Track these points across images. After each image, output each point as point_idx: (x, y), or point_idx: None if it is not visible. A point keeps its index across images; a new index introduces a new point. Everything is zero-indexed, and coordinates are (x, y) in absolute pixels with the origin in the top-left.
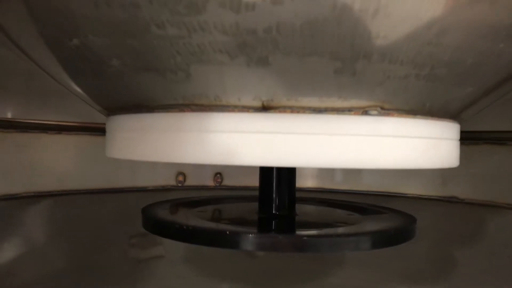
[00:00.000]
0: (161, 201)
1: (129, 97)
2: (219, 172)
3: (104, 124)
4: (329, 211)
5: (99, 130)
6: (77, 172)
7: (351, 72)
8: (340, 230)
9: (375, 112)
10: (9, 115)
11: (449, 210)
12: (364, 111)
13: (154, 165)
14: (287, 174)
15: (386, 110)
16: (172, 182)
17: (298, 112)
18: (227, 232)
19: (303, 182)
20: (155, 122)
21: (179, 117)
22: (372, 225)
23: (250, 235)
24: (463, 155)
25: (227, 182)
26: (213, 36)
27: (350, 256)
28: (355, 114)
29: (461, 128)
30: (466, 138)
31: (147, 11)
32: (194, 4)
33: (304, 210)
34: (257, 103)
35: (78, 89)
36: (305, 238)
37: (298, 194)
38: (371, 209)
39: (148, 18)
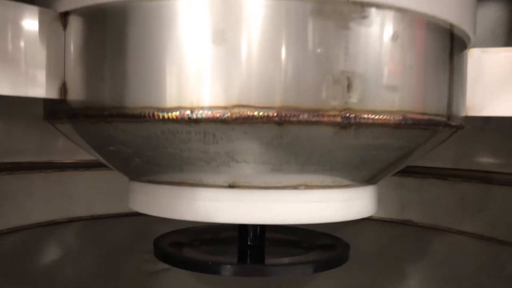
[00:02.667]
0: (167, 233)
1: (144, 175)
2: None
3: None
4: (287, 240)
5: None
6: (103, 200)
7: (283, 171)
8: (286, 260)
9: (302, 187)
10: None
11: (405, 231)
12: (295, 187)
13: None
14: None
15: (309, 186)
16: None
17: (253, 188)
18: (209, 263)
19: None
20: (161, 191)
21: (176, 189)
22: (314, 254)
23: (227, 265)
24: (416, 186)
25: None
26: (195, 155)
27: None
28: (289, 189)
29: (415, 163)
30: (419, 172)
31: (157, 141)
32: (183, 141)
33: (272, 239)
34: (226, 184)
35: (107, 164)
36: (261, 266)
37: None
38: (319, 237)
39: (158, 144)
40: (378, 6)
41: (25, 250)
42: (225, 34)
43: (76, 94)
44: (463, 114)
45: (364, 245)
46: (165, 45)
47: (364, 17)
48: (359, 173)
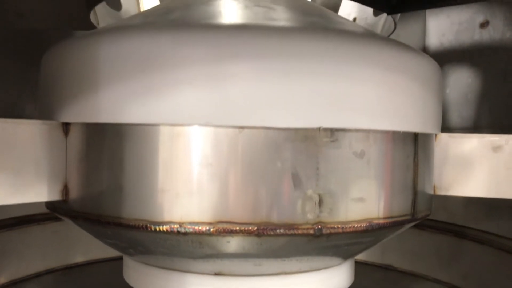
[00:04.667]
0: None
1: (138, 258)
2: None
3: None
4: None
5: None
6: (99, 245)
7: (264, 265)
8: None
9: (282, 274)
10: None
11: (385, 275)
12: (275, 274)
13: None
14: None
15: (288, 273)
16: None
17: (237, 276)
18: None
19: None
20: (153, 272)
21: (167, 273)
22: None
23: None
24: (398, 234)
25: None
26: (183, 254)
27: None
28: (270, 276)
29: None
30: None
31: (149, 243)
32: (173, 245)
33: None
34: (212, 272)
35: (108, 245)
36: None
37: None
38: None
39: (150, 244)
40: (347, 130)
41: None
42: (209, 159)
43: (76, 197)
44: (429, 203)
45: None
46: (157, 166)
47: (334, 140)
48: (333, 260)
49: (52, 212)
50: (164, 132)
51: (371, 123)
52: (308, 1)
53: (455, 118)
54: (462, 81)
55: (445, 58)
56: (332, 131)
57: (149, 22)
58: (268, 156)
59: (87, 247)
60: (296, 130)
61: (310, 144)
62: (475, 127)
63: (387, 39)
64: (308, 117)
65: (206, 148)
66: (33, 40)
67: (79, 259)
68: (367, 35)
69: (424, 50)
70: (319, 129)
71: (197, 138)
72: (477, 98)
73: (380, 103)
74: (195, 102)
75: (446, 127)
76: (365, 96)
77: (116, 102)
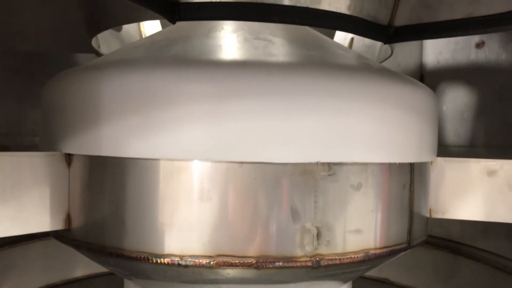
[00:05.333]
0: None
1: (138, 282)
2: None
3: None
4: None
5: None
6: None
7: None
8: None
9: None
10: None
11: None
12: None
13: None
14: None
15: None
16: None
17: None
18: None
19: None
20: None
21: None
22: None
23: None
24: None
25: None
26: (184, 282)
27: None
28: None
29: None
30: None
31: (150, 273)
32: (173, 276)
33: None
34: None
35: (109, 270)
36: None
37: None
38: None
39: (151, 274)
40: (344, 164)
41: None
42: (209, 193)
43: (79, 226)
44: (425, 228)
45: None
46: (157, 200)
47: (331, 174)
48: (332, 285)
49: (56, 239)
50: (165, 167)
51: (367, 157)
52: (306, 29)
53: (451, 136)
54: (459, 99)
55: (442, 75)
56: (330, 165)
57: (150, 57)
58: (267, 191)
59: (87, 261)
60: (295, 165)
61: (308, 178)
62: (471, 145)
63: (383, 72)
64: (307, 152)
65: (206, 183)
66: (34, 58)
67: (79, 273)
68: (364, 70)
69: (421, 67)
70: (317, 163)
71: (197, 173)
72: (474, 117)
73: (377, 137)
74: (195, 138)
75: (443, 144)
76: (362, 131)
77: (117, 137)
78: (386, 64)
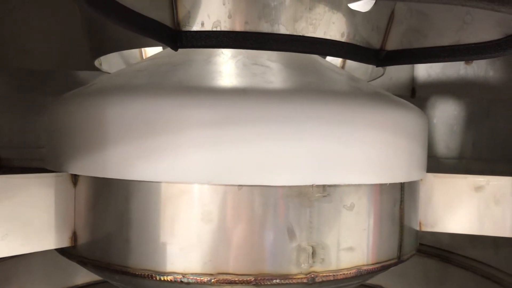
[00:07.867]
0: None
1: None
2: None
3: None
4: None
5: None
6: None
7: None
8: None
9: None
10: None
11: None
12: None
13: None
14: None
15: None
16: None
17: None
18: None
19: None
20: None
21: None
22: None
23: None
24: None
25: None
26: None
27: None
28: None
29: None
30: None
31: None
32: None
33: None
34: None
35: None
36: None
37: None
38: None
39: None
40: (338, 186)
41: None
42: (210, 215)
43: (85, 244)
44: (415, 243)
45: None
46: (160, 221)
47: (326, 195)
48: None
49: (61, 255)
50: (167, 190)
51: (360, 179)
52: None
53: (441, 148)
54: (449, 113)
55: (433, 89)
56: (324, 187)
57: (154, 83)
58: (265, 212)
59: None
60: (291, 187)
61: (304, 200)
62: (460, 158)
63: (375, 96)
64: (303, 176)
65: (206, 205)
66: (37, 74)
67: (80, 280)
68: (357, 95)
69: (413, 81)
70: (312, 186)
71: (198, 195)
72: (463, 131)
73: (369, 160)
74: (196, 162)
75: (433, 156)
76: (355, 155)
77: (122, 160)
78: None
